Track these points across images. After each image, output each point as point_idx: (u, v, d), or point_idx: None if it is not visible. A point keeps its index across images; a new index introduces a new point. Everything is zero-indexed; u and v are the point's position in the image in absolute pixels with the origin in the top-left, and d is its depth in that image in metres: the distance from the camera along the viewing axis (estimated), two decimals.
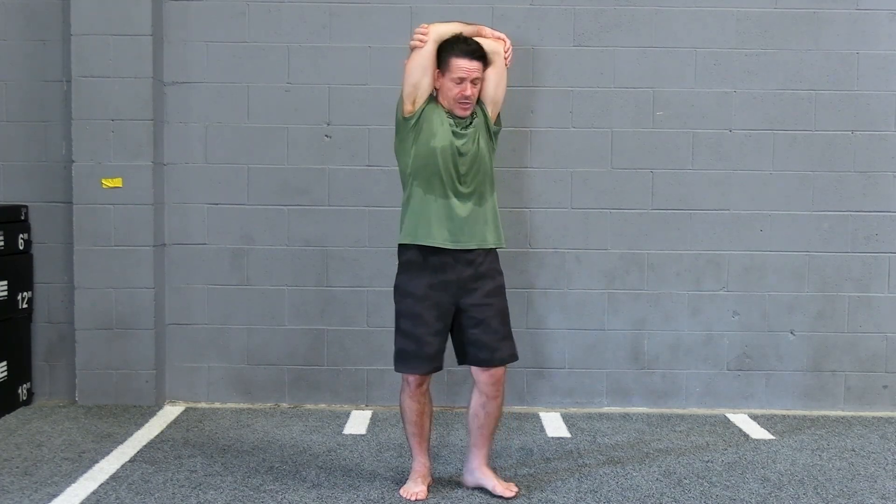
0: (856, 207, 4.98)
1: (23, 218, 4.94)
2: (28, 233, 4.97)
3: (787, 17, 4.93)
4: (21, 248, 4.89)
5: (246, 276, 5.00)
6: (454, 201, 3.49)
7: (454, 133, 3.51)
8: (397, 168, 4.83)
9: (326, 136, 4.97)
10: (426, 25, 3.48)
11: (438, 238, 3.47)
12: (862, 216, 4.99)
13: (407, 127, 3.48)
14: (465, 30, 3.54)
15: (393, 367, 3.62)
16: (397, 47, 4.90)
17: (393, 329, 4.87)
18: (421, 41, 3.42)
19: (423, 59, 3.44)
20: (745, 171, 4.97)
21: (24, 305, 4.93)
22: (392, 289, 3.61)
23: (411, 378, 3.55)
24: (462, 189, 3.50)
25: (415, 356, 3.52)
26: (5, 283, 4.74)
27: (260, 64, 4.93)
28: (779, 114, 4.96)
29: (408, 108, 3.48)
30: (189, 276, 5.00)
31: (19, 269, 4.89)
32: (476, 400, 3.62)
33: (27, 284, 4.96)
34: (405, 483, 3.67)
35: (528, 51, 4.93)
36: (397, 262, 3.59)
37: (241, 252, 4.99)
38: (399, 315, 3.56)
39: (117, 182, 4.82)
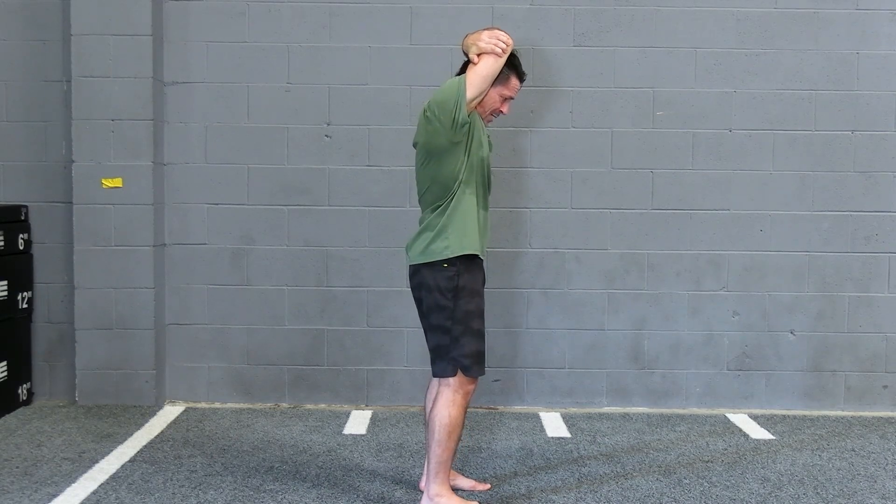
0: (856, 207, 4.98)
1: (23, 218, 4.94)
2: (28, 233, 4.97)
3: (787, 17, 4.93)
4: (21, 248, 4.89)
5: (246, 276, 5.00)
6: (485, 213, 3.50)
7: (490, 143, 3.55)
8: (396, 168, 4.83)
9: (326, 136, 4.97)
10: (509, 36, 3.31)
11: (484, 250, 3.47)
12: (862, 216, 4.99)
13: (463, 130, 3.29)
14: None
15: (440, 371, 3.40)
16: (397, 47, 4.92)
17: (392, 329, 4.98)
18: (504, 51, 3.29)
19: (498, 69, 3.32)
20: (745, 171, 4.97)
21: (24, 305, 4.93)
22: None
23: (475, 383, 3.44)
24: (487, 201, 3.52)
25: (484, 357, 3.45)
26: (5, 283, 4.74)
27: (260, 64, 4.93)
28: (779, 114, 4.96)
29: (472, 107, 3.33)
30: (189, 276, 5.00)
31: (19, 269, 4.89)
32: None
33: (27, 284, 4.96)
34: None
35: (528, 51, 4.92)
36: (444, 265, 3.34)
37: (241, 252, 4.99)
38: (471, 316, 3.37)
39: (117, 182, 4.82)
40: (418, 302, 3.48)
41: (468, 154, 3.35)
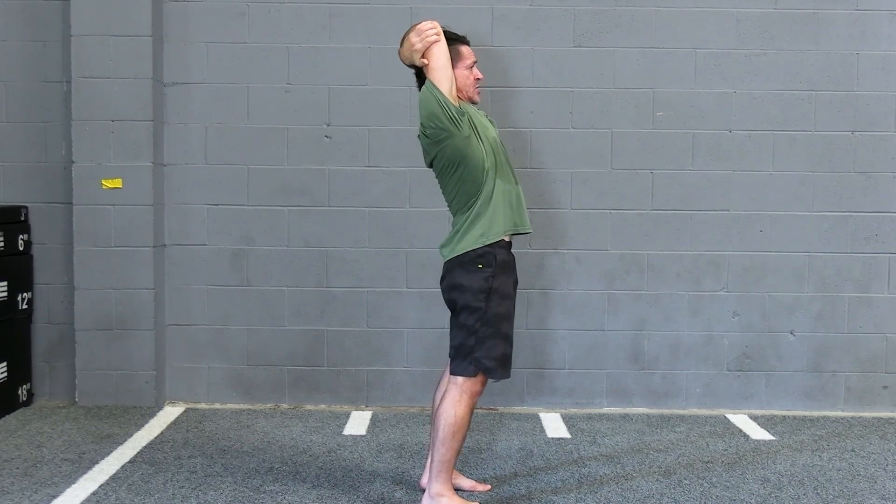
0: (856, 208, 4.98)
1: (23, 219, 4.94)
2: (28, 233, 4.97)
3: (787, 18, 4.93)
4: (21, 248, 4.89)
5: (246, 276, 5.00)
6: (517, 188, 3.50)
7: (491, 121, 3.57)
8: (396, 168, 4.82)
9: (326, 136, 4.97)
10: (430, 21, 3.35)
11: (527, 222, 3.49)
12: (862, 216, 4.99)
13: (465, 121, 3.31)
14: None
15: (469, 373, 3.35)
16: (397, 48, 4.90)
17: (392, 330, 4.98)
18: (438, 34, 3.31)
19: (446, 52, 3.32)
20: (745, 172, 4.97)
21: (24, 306, 4.93)
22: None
23: (483, 385, 3.44)
24: (515, 176, 3.52)
25: (510, 360, 3.45)
26: (5, 283, 4.74)
27: (260, 65, 4.93)
28: (779, 114, 4.96)
29: (454, 96, 3.33)
30: (189, 276, 5.00)
31: (19, 270, 4.89)
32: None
33: (27, 285, 4.96)
34: None
35: (528, 51, 4.93)
36: (479, 265, 3.34)
37: (241, 253, 4.99)
38: (501, 319, 3.37)
39: (117, 183, 4.82)
40: (451, 303, 3.43)
41: (481, 140, 3.37)
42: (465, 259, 3.36)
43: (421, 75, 3.39)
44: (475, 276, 3.34)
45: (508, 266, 3.44)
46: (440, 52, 3.30)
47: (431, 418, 3.55)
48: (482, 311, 3.34)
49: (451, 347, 3.43)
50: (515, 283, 3.51)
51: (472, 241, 3.36)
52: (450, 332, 3.46)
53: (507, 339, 3.41)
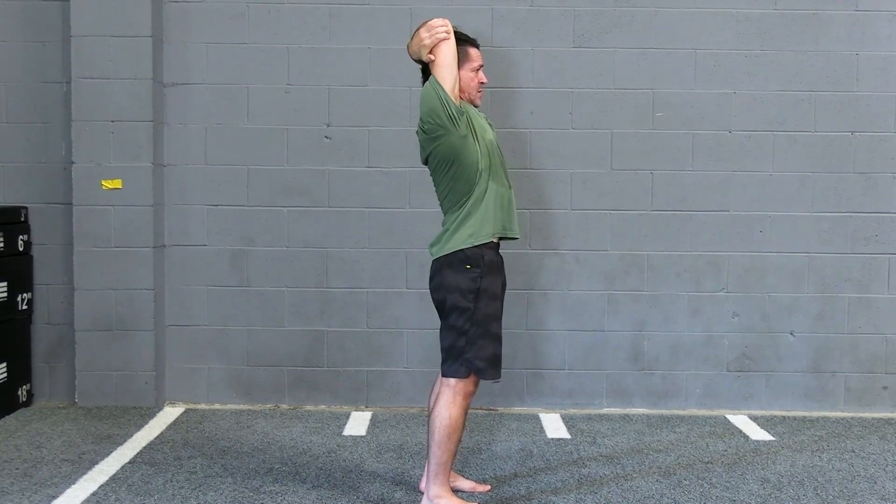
0: (855, 208, 4.98)
1: (23, 219, 4.94)
2: (28, 234, 4.97)
3: (787, 19, 4.93)
4: (21, 249, 4.89)
5: (246, 277, 5.00)
6: (509, 192, 3.51)
7: (489, 124, 3.58)
8: (395, 169, 4.82)
9: (326, 137, 4.97)
10: (442, 18, 3.36)
11: (516, 227, 3.49)
12: (861, 217, 4.99)
13: (463, 121, 3.33)
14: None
15: (458, 375, 3.36)
16: (397, 48, 4.91)
17: (392, 331, 4.98)
18: (448, 33, 3.32)
19: (454, 51, 3.33)
20: (744, 173, 4.97)
21: (24, 307, 4.93)
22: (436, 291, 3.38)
23: (476, 385, 3.44)
24: (509, 180, 3.53)
25: (501, 361, 3.45)
26: (5, 284, 4.74)
27: (260, 65, 4.93)
28: (779, 115, 4.96)
29: (455, 95, 3.34)
30: (189, 277, 5.00)
31: (19, 271, 4.89)
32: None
33: (27, 286, 4.96)
34: None
35: (528, 52, 4.93)
36: (467, 266, 3.34)
37: (241, 253, 4.99)
38: (490, 319, 3.38)
39: (117, 183, 4.82)
40: (439, 303, 3.44)
41: (477, 141, 3.38)
42: (454, 259, 3.36)
43: (426, 71, 3.41)
44: (463, 276, 3.35)
45: (496, 267, 3.44)
46: (448, 49, 3.32)
47: (427, 422, 3.55)
48: (471, 312, 3.34)
49: (442, 349, 3.43)
50: (504, 284, 3.52)
51: (461, 240, 3.36)
52: (440, 335, 3.46)
53: (497, 340, 3.42)
